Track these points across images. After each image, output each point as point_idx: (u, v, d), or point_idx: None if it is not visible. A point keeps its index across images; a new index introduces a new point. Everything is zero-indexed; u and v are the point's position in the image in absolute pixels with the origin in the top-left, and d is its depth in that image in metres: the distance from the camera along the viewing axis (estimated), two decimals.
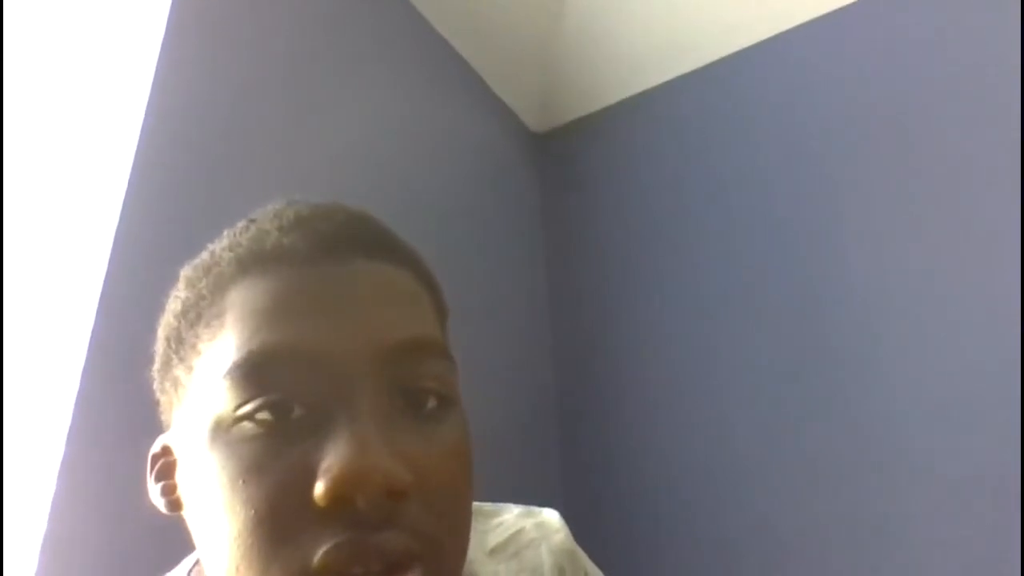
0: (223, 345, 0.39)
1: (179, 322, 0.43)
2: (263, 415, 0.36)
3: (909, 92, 1.49)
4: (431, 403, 0.40)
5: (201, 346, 0.41)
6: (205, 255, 0.45)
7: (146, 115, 1.01)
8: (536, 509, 0.61)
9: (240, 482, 0.36)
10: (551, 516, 0.61)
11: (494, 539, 0.57)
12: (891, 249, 1.41)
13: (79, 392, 0.82)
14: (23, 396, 0.83)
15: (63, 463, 0.79)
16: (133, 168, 0.97)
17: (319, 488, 0.34)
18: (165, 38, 1.07)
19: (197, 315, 0.42)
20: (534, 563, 0.56)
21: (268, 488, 0.35)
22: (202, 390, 0.39)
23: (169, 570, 0.51)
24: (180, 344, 0.42)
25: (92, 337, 0.85)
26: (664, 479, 1.49)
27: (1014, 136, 1.34)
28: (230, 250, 0.42)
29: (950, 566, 1.18)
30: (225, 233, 0.45)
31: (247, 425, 0.37)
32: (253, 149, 1.15)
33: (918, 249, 1.39)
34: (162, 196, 0.99)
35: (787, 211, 1.55)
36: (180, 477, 0.42)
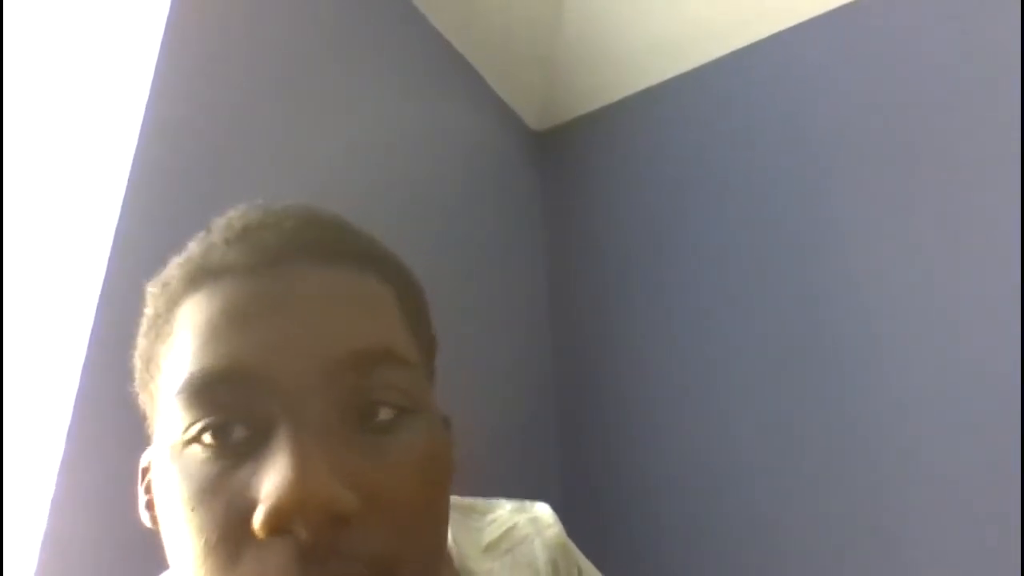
0: (175, 363, 0.38)
1: (144, 339, 0.43)
2: (208, 437, 0.36)
3: (911, 91, 1.49)
4: (384, 414, 0.37)
5: (161, 363, 0.40)
6: (166, 269, 0.44)
7: (145, 115, 1.00)
8: (528, 504, 0.61)
9: (190, 509, 0.35)
10: (543, 510, 0.61)
11: (488, 536, 0.57)
12: (891, 249, 1.41)
13: (79, 391, 0.82)
14: (23, 395, 0.83)
15: (63, 462, 0.79)
16: (132, 168, 0.97)
17: (256, 518, 0.33)
18: (164, 38, 1.07)
19: (156, 333, 0.41)
20: (528, 559, 0.56)
21: (214, 516, 0.34)
22: (163, 409, 0.39)
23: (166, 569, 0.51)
24: (148, 361, 0.42)
25: (92, 336, 0.85)
26: (663, 478, 1.49)
27: (1015, 135, 1.34)
28: (182, 265, 0.42)
29: (951, 566, 1.18)
30: (188, 244, 0.45)
31: (196, 448, 0.36)
32: (253, 149, 1.15)
33: (918, 249, 1.39)
34: (162, 195, 0.99)
35: (788, 210, 1.55)
36: (154, 494, 0.41)
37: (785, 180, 1.57)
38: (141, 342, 0.44)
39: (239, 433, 0.36)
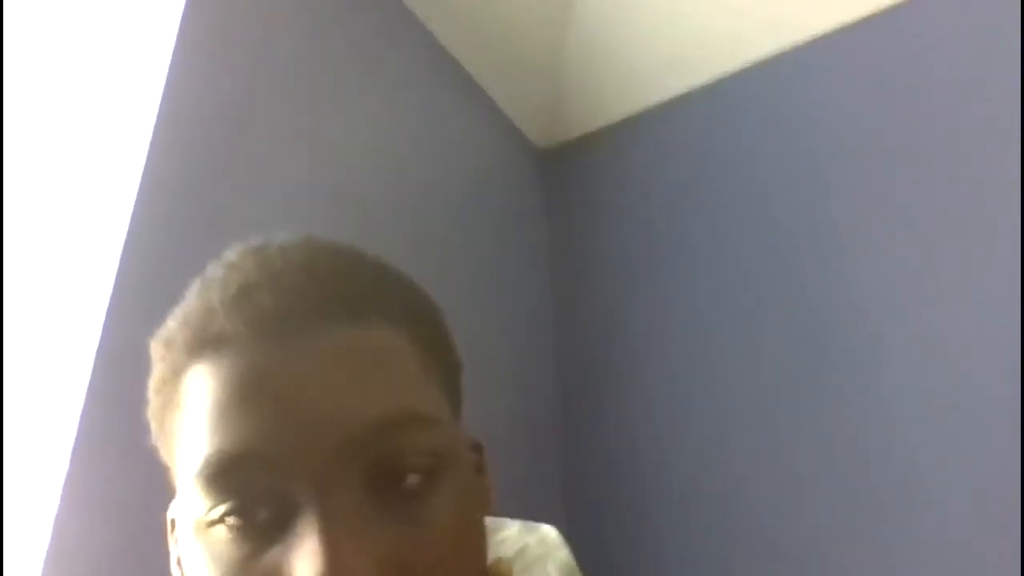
0: (187, 439, 0.37)
1: (155, 400, 0.42)
2: (231, 520, 0.35)
3: (917, 111, 1.49)
4: (412, 480, 0.36)
5: (174, 431, 0.39)
6: (170, 324, 0.42)
7: (156, 125, 1.01)
8: (534, 525, 0.61)
9: None
10: (551, 532, 0.61)
11: (501, 554, 0.57)
12: (892, 262, 1.41)
13: (84, 407, 0.82)
14: (27, 410, 0.84)
15: (67, 478, 0.79)
16: (142, 177, 0.97)
17: None
18: (174, 52, 1.08)
19: (165, 398, 0.40)
20: None
21: None
22: (182, 483, 0.38)
23: None
24: (161, 423, 0.41)
25: (98, 351, 0.85)
26: (665, 489, 1.49)
27: (1016, 156, 1.34)
28: (182, 329, 0.40)
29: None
30: (187, 293, 0.43)
31: (219, 529, 0.35)
32: (260, 161, 1.16)
33: (919, 267, 1.39)
34: (170, 208, 1.00)
35: (791, 228, 1.55)
36: (182, 557, 0.40)
37: (789, 198, 1.58)
38: (152, 400, 0.42)
39: (263, 514, 0.35)
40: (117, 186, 0.97)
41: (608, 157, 1.88)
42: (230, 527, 0.35)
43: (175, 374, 0.39)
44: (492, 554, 0.57)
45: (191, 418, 0.37)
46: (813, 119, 1.61)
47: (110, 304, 0.88)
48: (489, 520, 0.60)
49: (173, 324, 0.41)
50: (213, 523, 0.35)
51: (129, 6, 1.10)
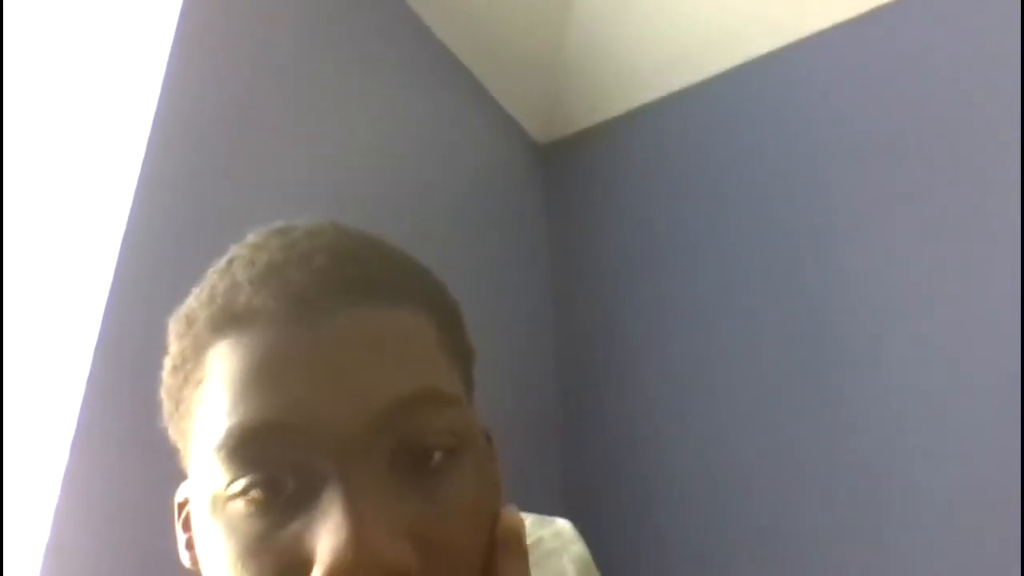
0: (209, 414, 0.37)
1: (171, 379, 0.41)
2: (254, 493, 0.34)
3: (915, 107, 1.49)
4: (436, 457, 0.36)
5: (193, 408, 0.39)
6: (190, 302, 0.42)
7: (153, 123, 1.01)
8: (548, 519, 0.61)
9: (240, 565, 0.34)
10: (566, 526, 0.61)
11: None
12: (891, 260, 1.41)
13: (83, 400, 0.83)
14: (27, 404, 0.84)
15: (66, 471, 0.79)
16: (140, 174, 0.97)
17: None
18: (172, 50, 1.08)
19: (184, 376, 0.40)
20: (557, 572, 0.56)
21: (265, 574, 0.34)
22: (199, 458, 0.37)
23: None
24: (177, 402, 0.41)
25: (97, 344, 0.86)
26: (665, 483, 1.49)
27: (1015, 153, 1.34)
28: (207, 306, 0.40)
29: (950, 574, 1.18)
30: (208, 273, 0.42)
31: (240, 503, 0.35)
32: (259, 158, 1.16)
33: (917, 260, 1.39)
34: (168, 204, 1.00)
35: (790, 223, 1.55)
36: (195, 536, 0.40)
37: (788, 193, 1.58)
38: (168, 381, 0.42)
39: (286, 488, 0.35)
40: (116, 181, 0.97)
41: (607, 152, 1.88)
42: (251, 500, 0.35)
43: (198, 350, 0.39)
44: None
45: (215, 393, 0.37)
46: (812, 115, 1.61)
47: (109, 299, 0.88)
48: None
49: (194, 303, 0.41)
50: (233, 497, 0.35)
51: (128, 4, 1.10)
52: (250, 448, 0.35)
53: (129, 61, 1.07)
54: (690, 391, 1.54)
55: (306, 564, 0.33)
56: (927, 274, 1.37)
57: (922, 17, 1.54)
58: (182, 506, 0.44)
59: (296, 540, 0.34)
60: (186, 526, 0.43)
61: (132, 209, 0.95)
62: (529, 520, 0.60)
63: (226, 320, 0.38)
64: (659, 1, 1.71)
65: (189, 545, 0.42)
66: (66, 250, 0.94)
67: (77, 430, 0.81)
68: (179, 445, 0.42)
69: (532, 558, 0.56)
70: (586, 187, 1.88)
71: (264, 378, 0.36)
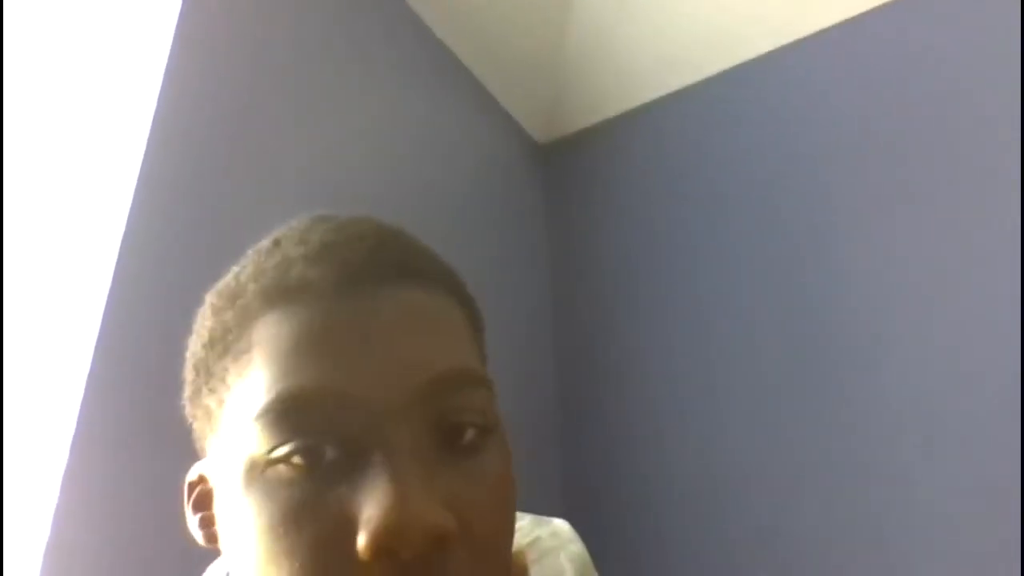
0: (252, 384, 0.37)
1: (207, 352, 0.41)
2: (297, 459, 0.35)
3: (912, 108, 1.49)
4: (470, 435, 0.38)
5: (230, 380, 0.39)
6: (230, 280, 0.43)
7: (152, 124, 1.01)
8: (546, 519, 0.61)
9: (280, 530, 0.35)
10: (563, 526, 0.61)
11: (513, 545, 0.57)
12: (890, 260, 1.41)
13: (83, 400, 0.83)
14: (27, 404, 0.84)
15: (66, 471, 0.79)
16: (140, 174, 0.97)
17: (361, 541, 0.33)
18: (172, 49, 1.08)
19: (224, 348, 0.40)
20: (555, 571, 0.56)
21: (309, 539, 0.34)
22: (234, 428, 0.38)
23: None
24: (209, 376, 0.41)
25: (97, 345, 0.86)
26: (664, 483, 1.49)
27: (1015, 153, 1.34)
28: (255, 280, 0.41)
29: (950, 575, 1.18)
30: (250, 253, 0.44)
31: (281, 468, 0.35)
32: (258, 158, 1.16)
33: (917, 259, 1.39)
34: (168, 204, 1.00)
35: (789, 223, 1.55)
36: (218, 511, 0.41)
37: (787, 193, 1.58)
38: (200, 353, 0.42)
39: (330, 455, 0.35)
40: (115, 181, 0.97)
41: (607, 152, 1.88)
42: (293, 466, 0.35)
43: (244, 321, 0.40)
44: None
45: (261, 362, 0.38)
46: (811, 115, 1.61)
47: (109, 298, 0.88)
48: None
49: (239, 280, 0.42)
50: (274, 463, 0.36)
51: (128, 4, 1.10)
52: (296, 414, 0.36)
53: (129, 61, 1.07)
54: (690, 391, 1.54)
55: (350, 528, 0.34)
56: (927, 274, 1.37)
57: (921, 17, 1.54)
58: (194, 485, 0.44)
59: (340, 505, 0.34)
60: (199, 505, 0.44)
61: (132, 208, 0.95)
62: (527, 520, 0.60)
63: (279, 292, 0.39)
64: (659, 1, 1.72)
65: (206, 523, 0.43)
66: (66, 249, 0.94)
67: (77, 429, 0.81)
68: (200, 423, 0.43)
69: (530, 556, 0.56)
70: (586, 187, 1.88)
71: (315, 347, 0.37)
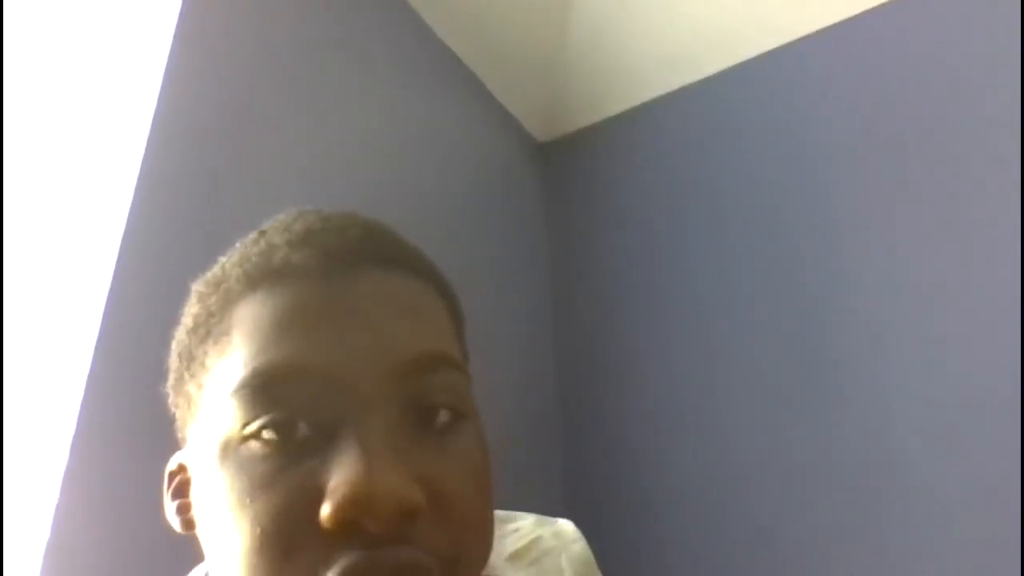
0: (230, 362, 0.38)
1: (189, 338, 0.42)
2: (269, 434, 0.36)
3: (912, 106, 1.49)
4: (443, 417, 0.38)
5: (209, 363, 0.40)
6: (216, 269, 0.44)
7: (153, 122, 1.01)
8: (550, 519, 0.61)
9: (247, 500, 0.35)
10: (567, 526, 0.61)
11: (511, 545, 0.56)
12: (890, 259, 1.41)
13: (83, 400, 0.82)
14: (27, 403, 0.84)
15: (67, 471, 0.79)
16: (140, 174, 0.97)
17: (325, 510, 0.33)
18: (172, 47, 1.07)
19: (206, 331, 0.41)
20: (555, 571, 0.56)
21: (274, 507, 0.34)
22: (212, 408, 0.39)
23: None
24: (191, 361, 0.42)
25: (97, 344, 0.86)
26: (665, 483, 1.49)
27: (1015, 153, 1.34)
28: (239, 265, 0.42)
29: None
30: (237, 245, 0.45)
31: (254, 444, 0.36)
32: (259, 157, 1.16)
33: (917, 259, 1.39)
34: (168, 203, 1.00)
35: (790, 222, 1.55)
36: (194, 495, 0.41)
37: (788, 192, 1.58)
38: (183, 340, 0.43)
39: (303, 430, 0.36)
40: (115, 180, 0.96)
41: (607, 151, 1.88)
42: (265, 441, 0.36)
43: (226, 305, 0.41)
44: (503, 543, 0.56)
45: (241, 340, 0.38)
46: (811, 114, 1.61)
47: (109, 297, 0.88)
48: (501, 511, 0.60)
49: (224, 267, 0.43)
50: (247, 438, 0.36)
51: (128, 4, 1.10)
52: (272, 388, 0.36)
53: (129, 60, 1.07)
54: (690, 390, 1.54)
55: (315, 499, 0.34)
56: (927, 274, 1.37)
57: (921, 16, 1.54)
58: (174, 474, 0.45)
59: (308, 477, 0.35)
60: (177, 493, 0.44)
61: (132, 208, 0.95)
62: (531, 520, 0.60)
63: (261, 275, 0.40)
64: (659, 1, 1.71)
65: (182, 509, 0.43)
66: (66, 249, 0.94)
67: (77, 429, 0.81)
68: (181, 410, 0.43)
69: (529, 556, 0.56)
70: (586, 185, 1.88)
71: (293, 325, 0.38)
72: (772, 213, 1.58)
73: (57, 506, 0.77)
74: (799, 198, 1.56)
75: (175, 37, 1.08)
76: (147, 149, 0.99)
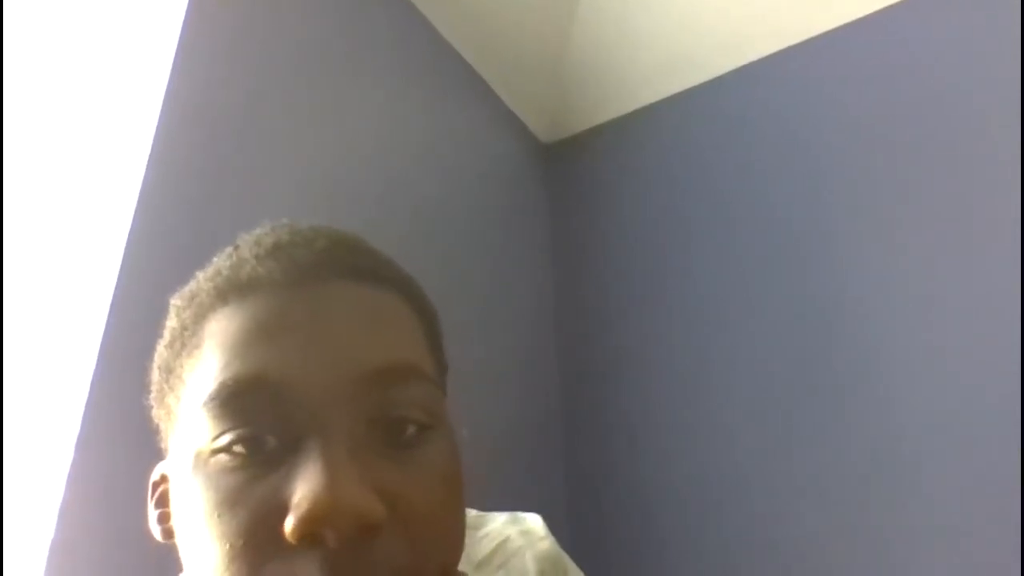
0: (202, 375, 0.39)
1: (167, 352, 0.43)
2: (238, 448, 0.36)
3: (915, 110, 1.49)
4: (410, 430, 0.38)
5: (185, 375, 0.41)
6: (192, 283, 0.44)
7: (158, 124, 1.01)
8: (521, 515, 0.61)
9: (216, 515, 0.35)
10: (535, 523, 0.61)
11: (480, 551, 0.56)
12: (892, 260, 1.41)
13: (88, 400, 0.83)
14: (32, 403, 0.84)
15: (71, 470, 0.79)
16: (145, 176, 0.98)
17: (288, 524, 0.33)
18: (178, 49, 1.08)
19: (181, 344, 0.42)
20: (520, 572, 0.56)
21: (241, 522, 0.35)
22: (186, 420, 0.39)
23: None
24: (169, 373, 0.42)
25: (102, 344, 0.86)
26: (667, 483, 1.49)
27: (1015, 154, 1.34)
28: (211, 279, 0.42)
29: None
30: (214, 260, 0.45)
31: (223, 457, 0.36)
32: (265, 159, 1.16)
33: (918, 261, 1.39)
34: (173, 205, 1.00)
35: (792, 224, 1.55)
36: (172, 505, 0.41)
37: (791, 194, 1.58)
38: (163, 353, 0.44)
39: (269, 444, 0.36)
40: (121, 181, 0.97)
41: (611, 152, 1.88)
42: (234, 455, 0.36)
43: (198, 319, 0.41)
44: (473, 551, 0.56)
45: (211, 354, 0.39)
46: (814, 117, 1.61)
47: (114, 297, 0.89)
48: (474, 515, 0.60)
49: (197, 281, 0.44)
50: (216, 452, 0.36)
51: (134, 5, 1.10)
52: (239, 401, 0.36)
53: (135, 62, 1.07)
54: (692, 392, 1.54)
55: (280, 513, 0.34)
56: (928, 276, 1.37)
57: (923, 19, 1.54)
58: (157, 484, 0.46)
59: (273, 491, 0.35)
60: (159, 503, 0.45)
61: (137, 209, 0.95)
62: (502, 518, 0.60)
63: (230, 288, 0.41)
64: (663, 3, 1.71)
65: (163, 519, 0.44)
66: (71, 249, 0.94)
67: (82, 428, 0.81)
68: (163, 422, 0.44)
69: (497, 560, 0.56)
70: (590, 187, 1.88)
71: (260, 337, 0.38)
72: (775, 215, 1.58)
73: (62, 505, 0.77)
74: (801, 200, 1.56)
75: (180, 40, 1.08)
76: (152, 151, 0.99)
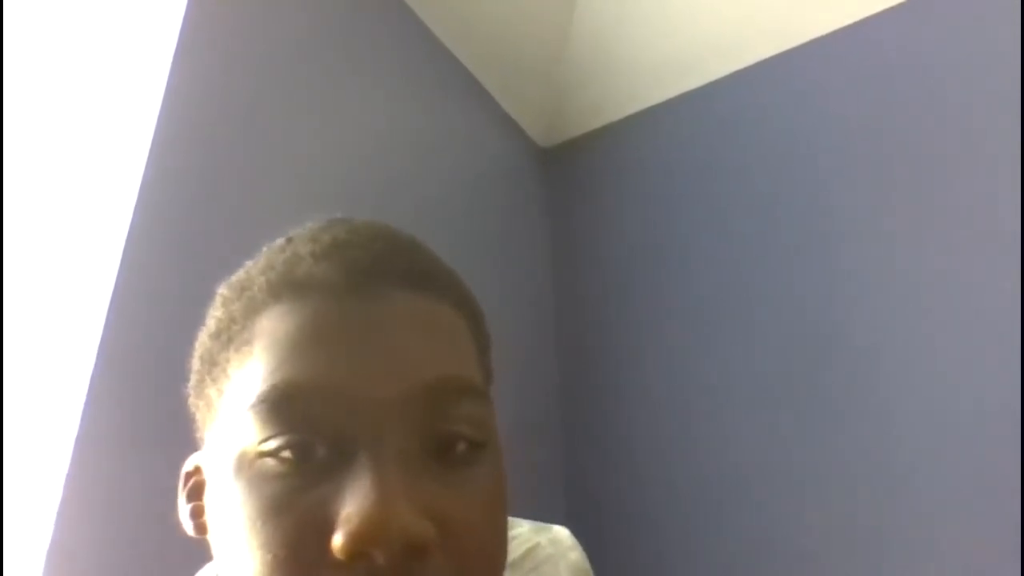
0: (250, 373, 0.37)
1: (212, 343, 0.42)
2: (286, 453, 0.35)
3: (913, 112, 1.49)
4: (461, 447, 0.37)
5: (231, 370, 0.39)
6: (241, 273, 0.43)
7: (156, 127, 1.01)
8: (546, 525, 0.61)
9: (260, 522, 0.34)
10: (563, 533, 0.60)
11: (510, 553, 0.56)
12: (889, 262, 1.42)
13: (86, 401, 0.83)
14: (30, 404, 0.84)
15: (70, 470, 0.79)
16: (144, 177, 0.98)
17: (337, 540, 0.33)
18: (177, 49, 1.08)
19: (228, 338, 0.40)
20: None
21: (286, 532, 0.34)
22: (230, 417, 0.38)
23: None
24: (212, 365, 0.41)
25: (101, 343, 0.86)
26: (666, 486, 1.49)
27: (1015, 156, 1.34)
28: (263, 273, 0.41)
29: None
30: (264, 250, 0.44)
31: (270, 462, 0.35)
32: (262, 161, 1.16)
33: (917, 263, 1.39)
34: (171, 206, 1.00)
35: (790, 227, 1.56)
36: (207, 501, 0.40)
37: (788, 197, 1.58)
38: (206, 343, 0.42)
39: (319, 452, 0.35)
40: (119, 182, 0.97)
41: (610, 156, 1.88)
42: (282, 460, 0.35)
43: (249, 313, 0.40)
44: None
45: (261, 353, 0.38)
46: (812, 120, 1.61)
47: (112, 299, 0.89)
48: None
49: (249, 273, 0.43)
50: (263, 455, 0.35)
51: (132, 5, 1.10)
52: (290, 407, 0.36)
53: (133, 63, 1.07)
54: (691, 394, 1.54)
55: (327, 526, 0.34)
56: (927, 277, 1.37)
57: (922, 21, 1.55)
58: (190, 475, 0.45)
59: (321, 503, 0.34)
60: (191, 495, 0.44)
61: (136, 209, 0.95)
62: (527, 526, 0.60)
63: (284, 286, 0.39)
64: (661, 6, 1.72)
65: (196, 513, 0.43)
66: (70, 250, 0.94)
67: (80, 430, 0.81)
68: (201, 413, 0.43)
69: (528, 564, 0.56)
70: (588, 190, 1.88)
71: (314, 342, 0.37)
72: (773, 218, 1.58)
73: (60, 507, 0.77)
74: (800, 203, 1.56)
75: (179, 42, 1.09)
76: (151, 152, 0.99)
